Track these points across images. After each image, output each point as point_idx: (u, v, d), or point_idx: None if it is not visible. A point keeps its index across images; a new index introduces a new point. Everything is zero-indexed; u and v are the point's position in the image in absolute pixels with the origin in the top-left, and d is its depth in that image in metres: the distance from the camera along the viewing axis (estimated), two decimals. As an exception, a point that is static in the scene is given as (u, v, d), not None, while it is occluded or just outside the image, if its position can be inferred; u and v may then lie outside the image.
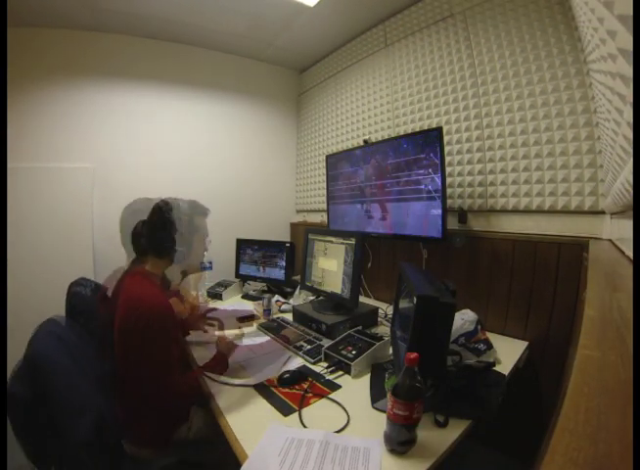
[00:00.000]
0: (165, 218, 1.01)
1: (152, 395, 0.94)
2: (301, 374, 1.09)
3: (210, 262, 2.21)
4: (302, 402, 0.95)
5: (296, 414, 0.90)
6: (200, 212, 1.09)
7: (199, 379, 1.03)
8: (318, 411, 0.92)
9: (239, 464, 0.73)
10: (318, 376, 1.10)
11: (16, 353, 0.96)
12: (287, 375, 1.07)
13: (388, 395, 0.74)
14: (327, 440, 0.77)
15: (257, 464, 0.71)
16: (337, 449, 0.75)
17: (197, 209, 1.08)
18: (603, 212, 1.23)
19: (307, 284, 1.75)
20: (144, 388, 0.94)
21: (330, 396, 0.99)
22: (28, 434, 0.83)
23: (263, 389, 1.02)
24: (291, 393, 1.00)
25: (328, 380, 1.08)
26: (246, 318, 1.66)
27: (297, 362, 1.21)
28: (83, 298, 1.54)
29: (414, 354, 0.73)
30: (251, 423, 0.87)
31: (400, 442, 0.74)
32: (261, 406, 0.95)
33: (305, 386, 1.03)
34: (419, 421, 0.75)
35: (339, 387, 1.04)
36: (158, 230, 1.01)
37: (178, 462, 0.94)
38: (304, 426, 0.85)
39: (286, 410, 0.92)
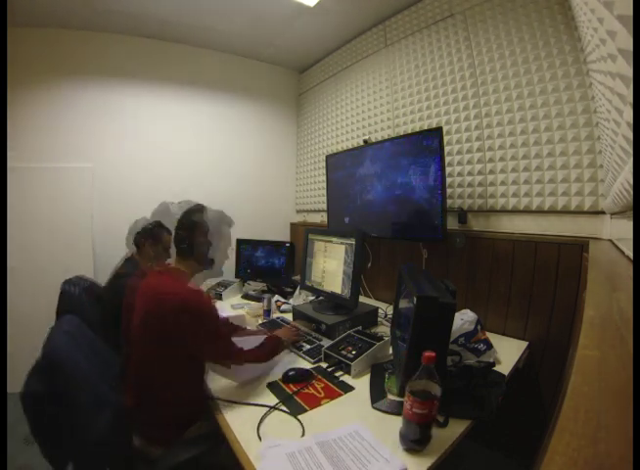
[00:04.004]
0: (202, 226, 1.07)
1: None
2: (307, 372, 1.09)
3: None
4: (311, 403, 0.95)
5: (305, 415, 0.90)
6: (227, 222, 1.15)
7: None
8: (326, 413, 0.92)
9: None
10: (332, 377, 1.09)
11: (15, 351, 0.96)
12: (292, 372, 1.08)
13: (406, 395, 0.74)
14: (320, 440, 0.79)
15: None
16: (334, 443, 0.78)
17: (225, 218, 1.14)
18: (603, 213, 1.23)
19: (307, 284, 1.75)
20: (163, 382, 0.96)
21: (341, 397, 0.99)
22: (46, 432, 0.83)
23: (277, 388, 1.02)
24: (303, 393, 1.00)
25: (341, 381, 1.07)
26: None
27: (301, 363, 1.21)
28: (72, 296, 1.53)
29: (431, 353, 0.73)
30: (254, 423, 0.86)
31: (417, 440, 0.74)
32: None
33: (318, 386, 1.04)
34: (435, 419, 0.76)
35: (351, 388, 1.03)
36: (193, 236, 1.06)
37: (188, 460, 0.94)
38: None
39: (296, 410, 0.91)
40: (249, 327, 1.52)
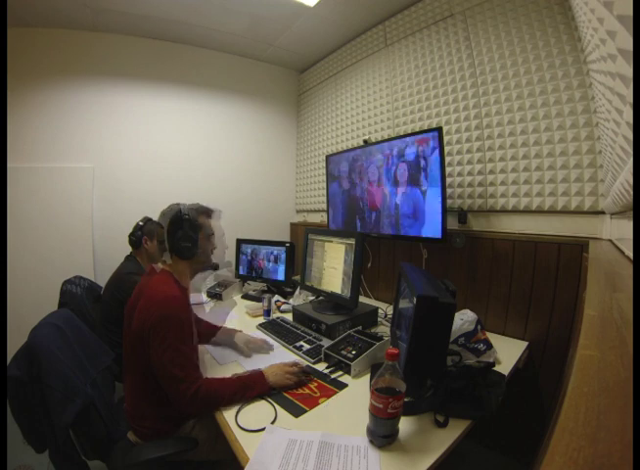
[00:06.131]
0: (172, 220, 1.08)
1: (159, 389, 0.97)
2: (304, 372, 1.08)
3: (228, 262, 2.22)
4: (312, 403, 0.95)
5: (306, 415, 0.90)
6: (201, 212, 1.15)
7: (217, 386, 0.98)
8: (327, 411, 0.92)
9: (237, 466, 0.74)
10: (324, 376, 1.10)
11: (15, 351, 0.97)
12: None
13: (371, 391, 0.76)
14: (325, 440, 0.78)
15: (258, 467, 0.71)
16: (336, 448, 0.76)
17: (198, 209, 1.15)
18: (603, 213, 1.23)
19: (307, 284, 1.75)
20: (151, 381, 0.97)
21: (337, 394, 0.99)
22: (23, 413, 0.89)
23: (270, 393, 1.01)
24: (298, 393, 0.99)
25: (334, 379, 1.08)
26: None
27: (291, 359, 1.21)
28: (74, 296, 1.56)
29: (394, 350, 0.75)
30: (255, 425, 0.86)
31: (381, 435, 0.76)
32: (270, 409, 0.93)
33: (312, 385, 1.04)
34: (397, 416, 0.76)
35: (345, 385, 1.04)
36: (169, 232, 1.08)
37: (166, 456, 0.94)
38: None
39: (296, 412, 0.91)
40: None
